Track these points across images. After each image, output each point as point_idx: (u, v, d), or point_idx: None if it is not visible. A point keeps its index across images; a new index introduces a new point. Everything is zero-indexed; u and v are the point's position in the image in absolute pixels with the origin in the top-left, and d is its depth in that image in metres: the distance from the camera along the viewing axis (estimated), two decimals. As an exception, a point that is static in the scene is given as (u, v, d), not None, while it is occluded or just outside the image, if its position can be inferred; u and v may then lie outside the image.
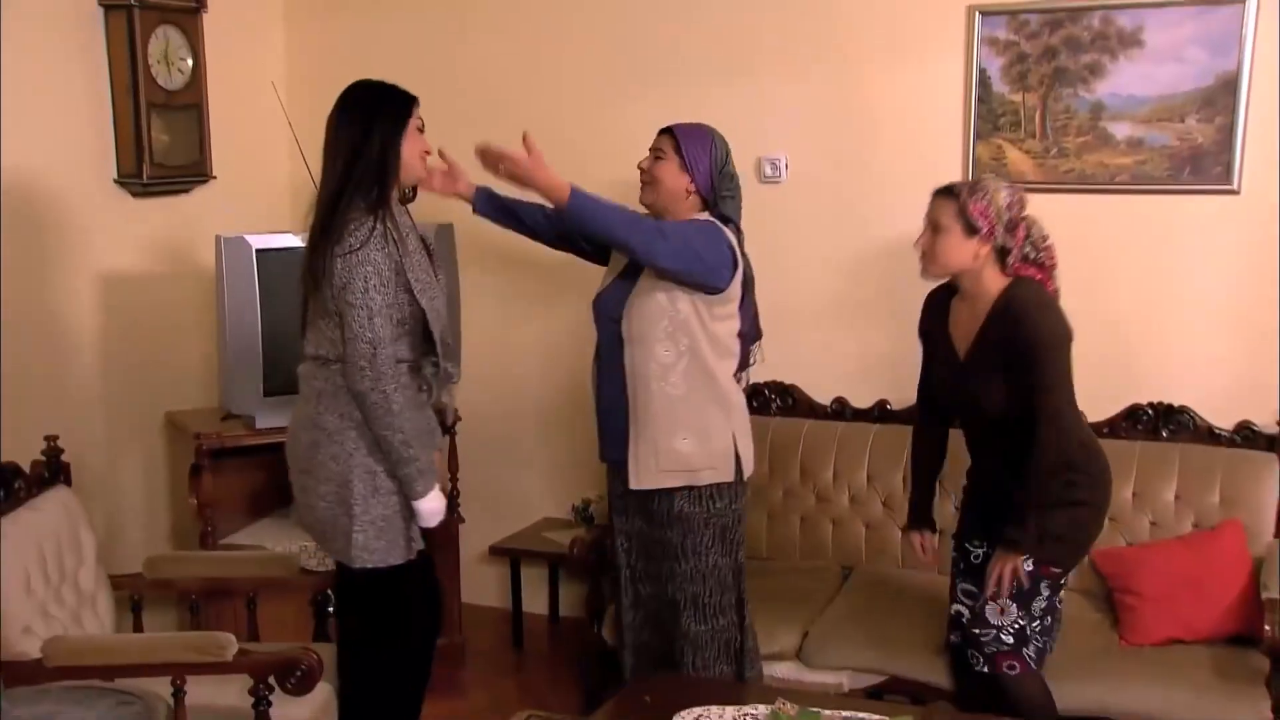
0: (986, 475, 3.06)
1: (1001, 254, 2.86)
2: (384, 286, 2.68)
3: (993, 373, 2.85)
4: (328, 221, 2.71)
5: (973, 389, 2.91)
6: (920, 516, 3.26)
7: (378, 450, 2.77)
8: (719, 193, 3.08)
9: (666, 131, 3.10)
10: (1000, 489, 2.94)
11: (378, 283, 2.67)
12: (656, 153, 3.08)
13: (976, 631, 2.96)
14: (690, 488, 3.07)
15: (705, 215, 3.07)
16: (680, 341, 3.00)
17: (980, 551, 3.08)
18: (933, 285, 3.11)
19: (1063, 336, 2.80)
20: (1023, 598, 2.91)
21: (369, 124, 2.73)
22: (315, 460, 2.82)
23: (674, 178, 3.05)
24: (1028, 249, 2.86)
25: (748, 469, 3.16)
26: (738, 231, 3.12)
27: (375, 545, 2.79)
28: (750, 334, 3.22)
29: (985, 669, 2.96)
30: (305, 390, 2.88)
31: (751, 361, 3.27)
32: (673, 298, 2.98)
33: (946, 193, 2.87)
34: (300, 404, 2.89)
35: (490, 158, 2.97)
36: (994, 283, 2.88)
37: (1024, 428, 2.82)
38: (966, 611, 3.07)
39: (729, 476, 3.09)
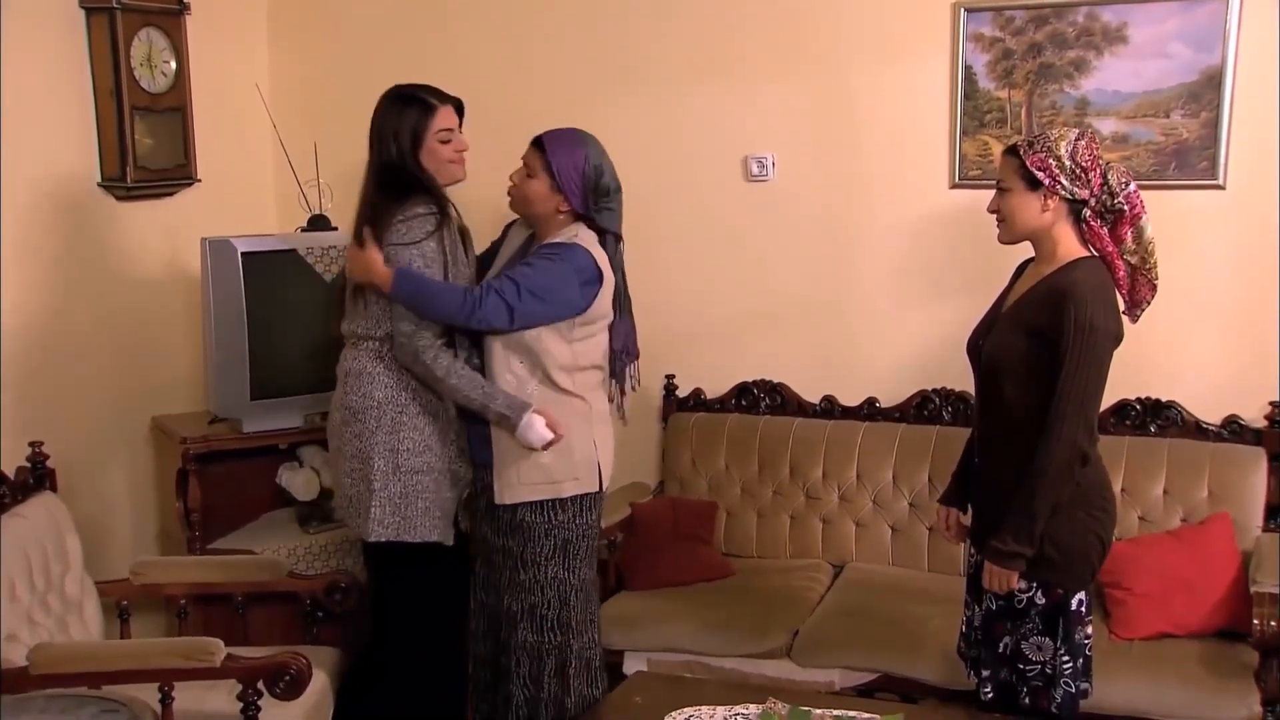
0: (986, 470, 2.80)
1: (1075, 209, 2.64)
2: (432, 265, 2.86)
3: (1018, 332, 2.64)
4: (373, 214, 2.92)
5: (996, 339, 2.69)
6: (951, 492, 3.00)
7: (400, 430, 2.93)
8: (595, 208, 2.94)
9: (536, 144, 2.92)
10: (997, 488, 2.70)
11: (426, 262, 2.86)
12: (527, 169, 2.92)
13: (1022, 667, 2.71)
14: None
15: (574, 232, 2.94)
16: (534, 360, 2.91)
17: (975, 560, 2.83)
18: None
19: (1103, 331, 2.54)
20: (1051, 630, 2.67)
21: (392, 134, 2.94)
22: (343, 438, 2.99)
23: (544, 200, 2.91)
24: (1104, 196, 2.62)
25: (605, 480, 3.05)
26: (617, 241, 3.00)
27: (390, 521, 2.93)
28: (626, 352, 3.11)
29: (1028, 700, 2.72)
30: (338, 371, 3.04)
31: (630, 386, 3.16)
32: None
33: (1009, 151, 2.68)
34: (337, 385, 3.06)
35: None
36: (1066, 247, 2.65)
37: (1035, 424, 2.59)
38: (976, 616, 2.84)
39: (593, 486, 3.00)
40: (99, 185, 3.77)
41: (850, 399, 4.03)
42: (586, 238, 2.94)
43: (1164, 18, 3.53)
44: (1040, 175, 2.60)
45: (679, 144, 4.08)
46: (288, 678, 2.71)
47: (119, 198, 3.82)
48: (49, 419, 3.48)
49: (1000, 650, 2.74)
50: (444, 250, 2.89)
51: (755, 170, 4.02)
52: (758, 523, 3.97)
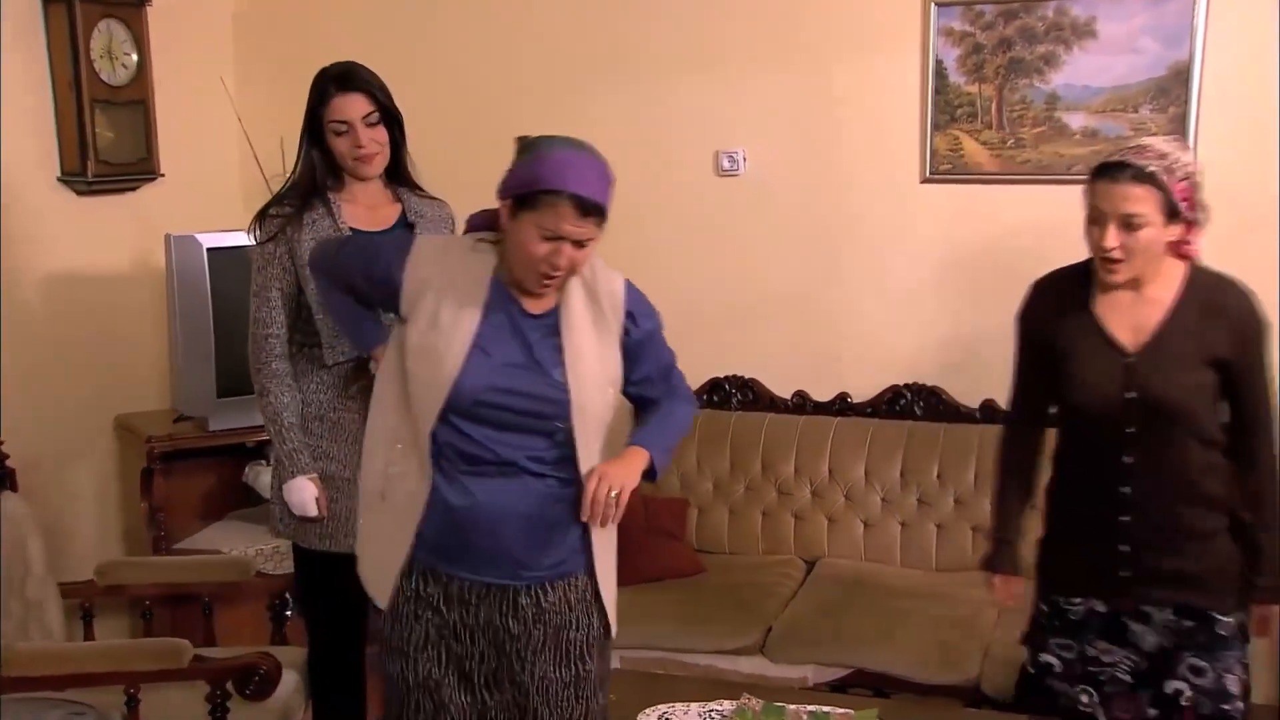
0: (1170, 525, 2.38)
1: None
2: (265, 269, 2.73)
3: (1197, 367, 2.33)
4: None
5: (1171, 382, 2.32)
6: (1008, 553, 2.54)
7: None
8: None
9: (595, 210, 2.06)
10: (1198, 538, 2.38)
11: (261, 264, 2.74)
12: (583, 243, 2.09)
13: (1226, 708, 2.37)
14: None
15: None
16: None
17: (1079, 607, 2.45)
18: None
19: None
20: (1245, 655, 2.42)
21: (305, 118, 2.71)
22: None
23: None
24: (1200, 214, 2.32)
25: None
26: None
27: (289, 521, 2.79)
28: None
29: None
30: None
31: None
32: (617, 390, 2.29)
33: (1140, 177, 2.20)
34: None
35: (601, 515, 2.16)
36: (1170, 265, 2.33)
37: (1225, 455, 2.38)
38: (1057, 663, 2.50)
39: None
40: (59, 179, 3.71)
41: (822, 394, 4.02)
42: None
43: (1132, 13, 3.55)
44: (1184, 206, 2.24)
45: (651, 138, 4.06)
46: (257, 678, 2.68)
47: (79, 192, 3.75)
48: (9, 417, 3.41)
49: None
50: (290, 254, 2.66)
51: (726, 165, 4.01)
52: (729, 519, 3.96)
